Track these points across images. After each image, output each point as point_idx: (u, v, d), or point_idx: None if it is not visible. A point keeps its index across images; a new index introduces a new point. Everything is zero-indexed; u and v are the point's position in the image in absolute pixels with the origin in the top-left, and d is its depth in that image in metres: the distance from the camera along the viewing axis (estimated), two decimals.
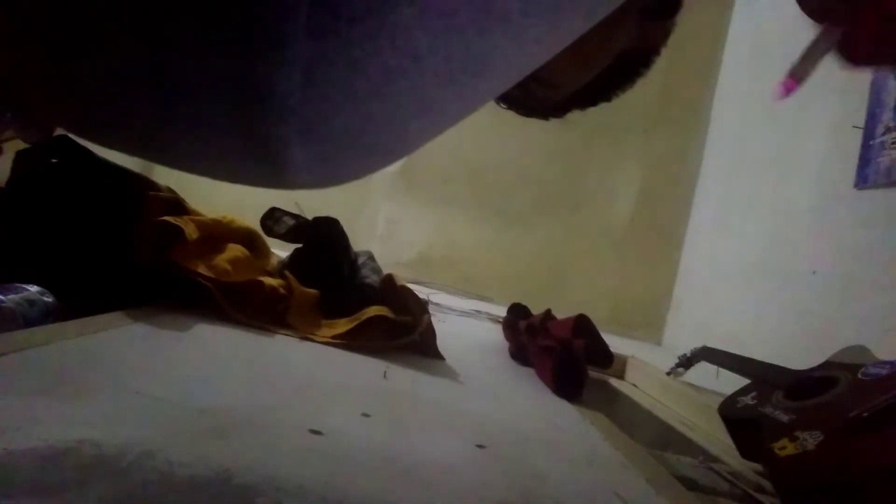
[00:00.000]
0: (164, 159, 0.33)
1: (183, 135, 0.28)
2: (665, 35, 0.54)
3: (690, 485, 0.75)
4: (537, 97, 0.53)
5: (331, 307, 1.11)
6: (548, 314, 1.34)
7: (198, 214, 1.06)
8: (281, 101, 0.25)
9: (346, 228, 1.29)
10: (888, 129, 1.24)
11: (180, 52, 0.24)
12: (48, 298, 0.77)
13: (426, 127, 0.30)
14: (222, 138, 0.28)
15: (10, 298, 0.72)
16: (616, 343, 1.45)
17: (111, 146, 0.33)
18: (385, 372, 0.91)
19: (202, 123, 0.27)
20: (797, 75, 0.41)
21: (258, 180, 0.32)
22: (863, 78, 1.32)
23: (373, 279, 1.26)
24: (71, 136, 0.93)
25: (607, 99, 0.58)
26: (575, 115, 0.60)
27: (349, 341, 1.00)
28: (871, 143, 1.28)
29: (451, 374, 1.01)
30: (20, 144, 0.92)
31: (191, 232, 0.97)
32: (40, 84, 0.29)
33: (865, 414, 0.61)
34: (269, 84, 0.24)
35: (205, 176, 0.33)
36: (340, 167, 0.30)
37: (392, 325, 1.06)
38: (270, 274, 1.14)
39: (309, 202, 1.40)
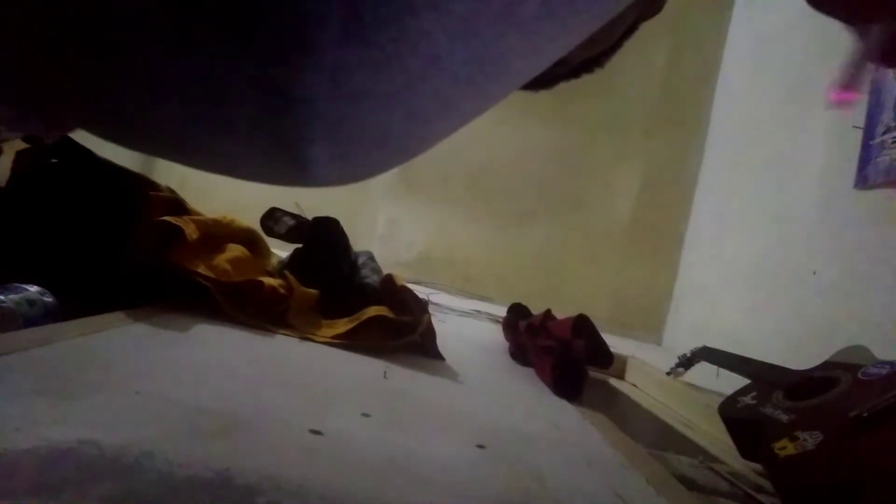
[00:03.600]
0: (190, 160, 0.34)
1: (208, 136, 0.29)
2: None
3: (690, 485, 0.75)
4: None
5: (331, 307, 1.11)
6: (548, 314, 1.34)
7: (198, 214, 1.06)
8: (309, 104, 0.26)
9: (346, 228, 1.29)
10: (888, 129, 1.24)
11: (212, 58, 0.25)
12: (48, 298, 0.77)
13: (443, 127, 0.31)
14: (248, 139, 0.29)
15: (10, 298, 0.72)
16: (616, 343, 1.45)
17: (135, 147, 0.34)
18: (385, 372, 0.91)
19: (229, 125, 0.28)
20: (851, 84, 0.37)
21: (279, 178, 0.33)
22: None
23: (373, 279, 1.26)
24: (71, 136, 0.93)
25: (592, 71, 0.57)
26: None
27: (349, 341, 1.00)
28: (870, 143, 1.28)
29: (451, 374, 1.01)
30: (20, 144, 0.92)
31: (191, 232, 0.97)
32: (69, 87, 0.30)
33: (865, 414, 0.61)
34: (300, 89, 0.25)
35: (224, 174, 0.34)
36: (360, 165, 0.31)
37: (392, 325, 1.06)
38: (270, 274, 1.14)
39: (309, 202, 1.40)
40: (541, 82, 0.54)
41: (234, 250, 1.07)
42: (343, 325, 1.04)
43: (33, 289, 0.76)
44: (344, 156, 0.29)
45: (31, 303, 0.74)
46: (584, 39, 0.41)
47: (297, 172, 0.30)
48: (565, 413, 0.95)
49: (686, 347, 1.33)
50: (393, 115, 0.27)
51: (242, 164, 0.33)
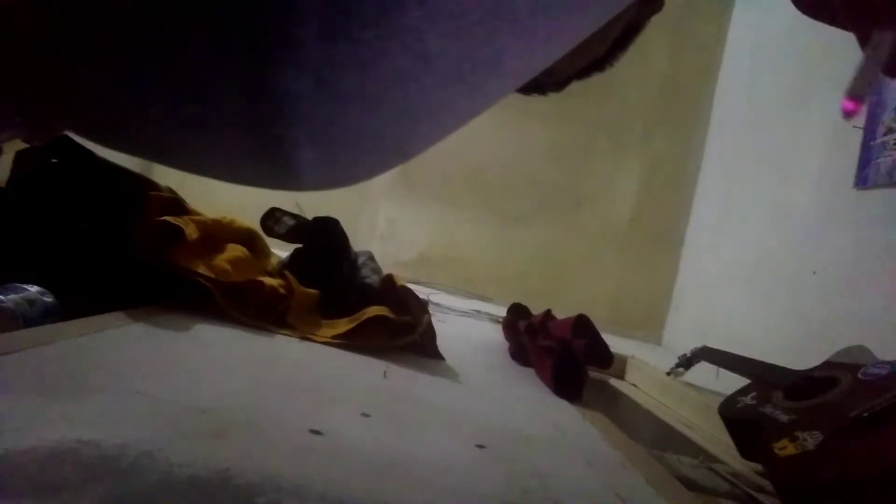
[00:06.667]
0: (173, 161, 0.33)
1: (193, 137, 0.28)
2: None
3: (690, 485, 0.75)
4: (538, 80, 0.52)
5: (331, 307, 1.11)
6: (548, 314, 1.34)
7: (198, 214, 1.06)
8: (292, 103, 0.25)
9: (346, 228, 1.29)
10: (890, 130, 1.24)
11: (193, 54, 0.24)
12: (48, 298, 0.77)
13: (435, 128, 0.30)
14: (232, 140, 0.28)
15: (10, 298, 0.72)
16: (616, 343, 1.45)
17: (120, 148, 0.33)
18: (385, 372, 0.91)
19: (213, 125, 0.27)
20: (857, 94, 0.37)
21: (267, 182, 0.32)
22: None
23: (373, 279, 1.26)
24: (71, 136, 0.93)
25: (604, 70, 0.57)
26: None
27: (349, 341, 1.00)
28: (871, 143, 1.28)
29: (451, 374, 1.01)
30: (20, 144, 0.92)
31: (191, 232, 0.97)
32: (51, 87, 0.29)
33: (865, 414, 0.61)
34: (281, 87, 0.24)
35: (212, 178, 0.33)
36: (350, 168, 0.30)
37: (392, 325, 1.06)
38: (270, 274, 1.14)
39: (309, 202, 1.40)
40: (549, 85, 0.54)
41: (234, 250, 1.07)
42: (343, 325, 1.04)
43: (33, 289, 0.76)
44: (333, 158, 0.28)
45: (31, 303, 0.74)
46: (577, 47, 0.40)
47: (283, 176, 0.29)
48: (565, 413, 0.95)
49: (686, 347, 1.33)
50: (382, 115, 0.27)
51: (229, 167, 0.32)
